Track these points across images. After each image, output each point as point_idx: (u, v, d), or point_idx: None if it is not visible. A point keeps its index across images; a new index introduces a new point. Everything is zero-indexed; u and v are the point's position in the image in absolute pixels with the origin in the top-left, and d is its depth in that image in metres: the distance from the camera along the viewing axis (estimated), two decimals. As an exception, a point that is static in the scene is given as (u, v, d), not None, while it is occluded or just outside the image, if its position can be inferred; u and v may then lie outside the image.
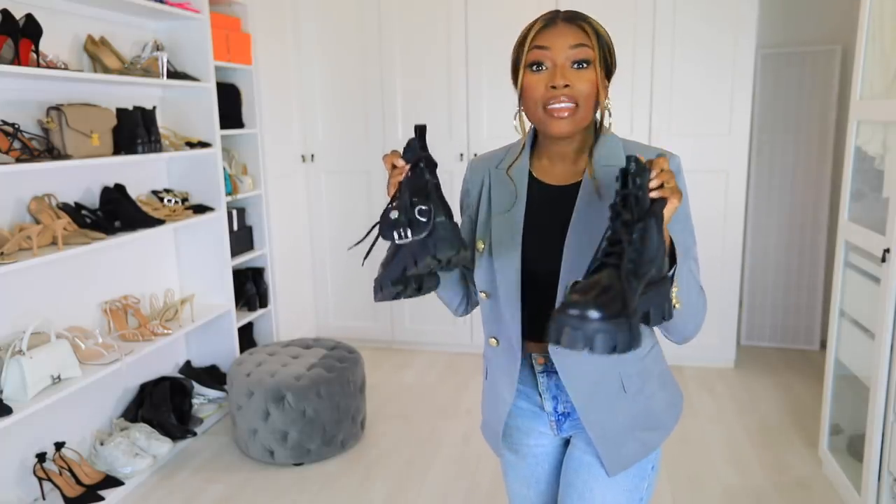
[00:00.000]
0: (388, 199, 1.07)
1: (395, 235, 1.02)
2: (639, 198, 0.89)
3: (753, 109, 3.52)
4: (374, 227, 1.07)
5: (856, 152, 2.35)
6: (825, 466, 2.55)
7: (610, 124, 1.14)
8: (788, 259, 3.76)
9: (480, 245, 1.18)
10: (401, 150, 1.07)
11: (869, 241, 2.17)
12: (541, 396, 1.22)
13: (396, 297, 1.08)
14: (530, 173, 1.18)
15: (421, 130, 1.07)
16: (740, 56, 3.25)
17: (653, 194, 0.91)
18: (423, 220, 1.01)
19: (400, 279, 1.05)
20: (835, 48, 3.51)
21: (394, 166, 1.06)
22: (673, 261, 0.97)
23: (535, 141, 1.20)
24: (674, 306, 0.97)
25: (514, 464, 1.34)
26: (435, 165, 1.07)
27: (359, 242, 1.12)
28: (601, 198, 1.09)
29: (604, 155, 1.12)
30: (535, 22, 1.09)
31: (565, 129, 1.08)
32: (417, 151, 1.05)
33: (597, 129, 1.15)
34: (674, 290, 0.97)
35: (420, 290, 1.10)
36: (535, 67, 1.07)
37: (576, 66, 1.06)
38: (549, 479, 1.32)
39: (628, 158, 0.90)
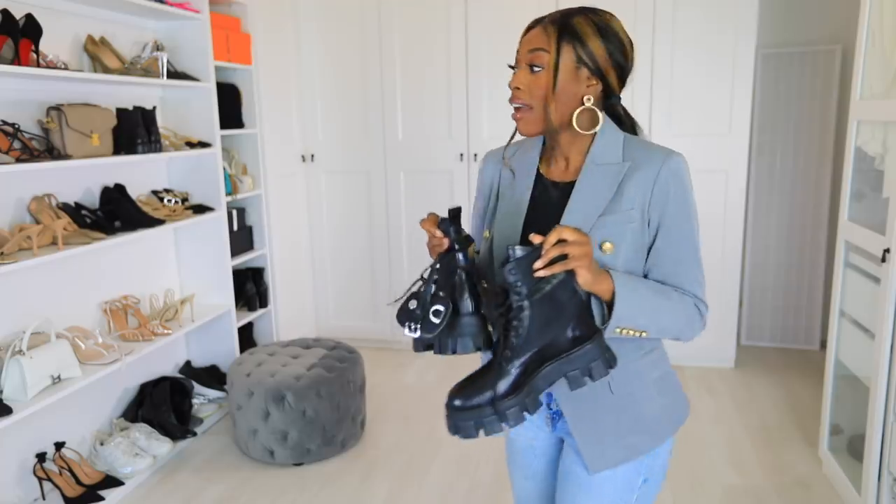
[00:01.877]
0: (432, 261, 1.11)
1: (407, 329, 1.07)
2: (518, 290, 0.96)
3: (753, 109, 3.52)
4: (415, 283, 1.12)
5: (856, 152, 2.35)
6: (825, 466, 2.55)
7: (602, 121, 1.12)
8: (788, 259, 3.76)
9: (486, 234, 1.22)
10: (436, 213, 1.10)
11: (869, 241, 2.17)
12: None
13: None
14: (537, 169, 1.21)
15: (455, 213, 1.09)
16: (740, 55, 3.25)
17: (542, 273, 0.94)
18: (436, 321, 1.05)
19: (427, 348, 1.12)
20: (835, 48, 3.51)
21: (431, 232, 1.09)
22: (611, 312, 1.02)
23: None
24: (640, 334, 1.05)
25: (514, 455, 1.38)
26: (471, 243, 1.11)
27: (399, 300, 1.16)
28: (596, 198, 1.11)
29: (600, 153, 1.13)
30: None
31: (523, 129, 1.13)
32: (451, 235, 1.08)
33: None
34: (629, 332, 1.04)
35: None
36: (513, 68, 1.13)
37: (531, 69, 1.09)
38: (547, 476, 1.34)
39: (507, 248, 0.95)
